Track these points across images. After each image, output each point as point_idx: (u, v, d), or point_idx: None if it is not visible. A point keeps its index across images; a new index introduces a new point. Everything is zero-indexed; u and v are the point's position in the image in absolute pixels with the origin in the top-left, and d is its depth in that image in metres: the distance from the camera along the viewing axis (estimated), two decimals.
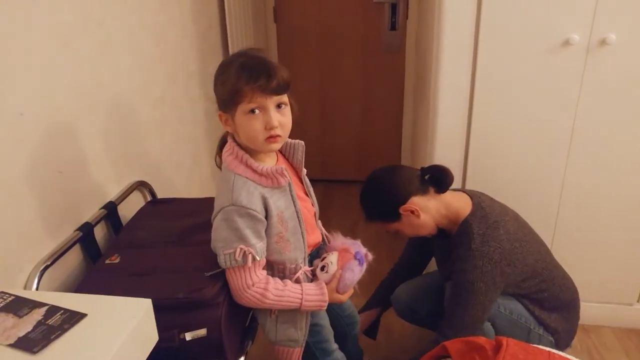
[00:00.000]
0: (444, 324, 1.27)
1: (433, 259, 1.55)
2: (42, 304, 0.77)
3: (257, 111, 0.94)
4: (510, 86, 1.49)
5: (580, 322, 1.44)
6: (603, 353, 1.67)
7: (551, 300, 1.33)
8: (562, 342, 1.37)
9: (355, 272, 1.08)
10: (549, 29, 1.41)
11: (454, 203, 1.30)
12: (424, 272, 1.62)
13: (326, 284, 1.06)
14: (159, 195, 1.45)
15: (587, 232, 1.64)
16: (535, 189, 1.60)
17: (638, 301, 1.73)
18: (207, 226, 1.03)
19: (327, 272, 1.07)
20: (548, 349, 0.87)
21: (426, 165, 1.34)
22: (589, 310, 1.69)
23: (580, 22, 1.39)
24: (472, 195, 1.33)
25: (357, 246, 1.12)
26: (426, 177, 1.30)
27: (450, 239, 1.31)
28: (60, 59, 1.06)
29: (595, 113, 1.49)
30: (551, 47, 1.43)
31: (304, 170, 1.13)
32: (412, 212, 1.27)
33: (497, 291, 1.23)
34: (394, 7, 2.63)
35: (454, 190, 1.34)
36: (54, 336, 0.71)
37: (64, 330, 0.72)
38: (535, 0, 1.39)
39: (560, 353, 0.85)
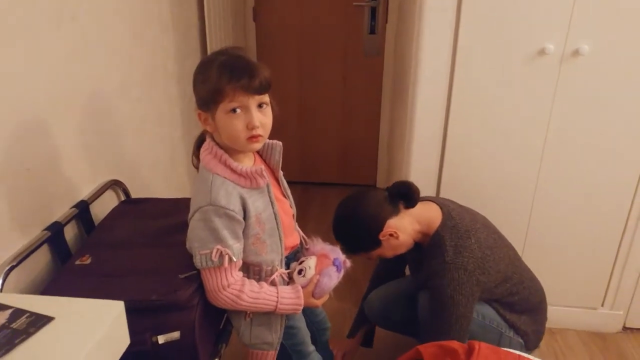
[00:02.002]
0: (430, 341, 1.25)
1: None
2: (6, 307, 0.74)
3: (238, 110, 0.93)
4: (487, 93, 1.52)
5: (547, 325, 1.47)
6: (568, 356, 1.72)
7: (521, 303, 1.36)
8: (531, 343, 1.40)
9: (333, 278, 1.09)
10: (527, 38, 1.45)
11: (425, 215, 1.31)
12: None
13: (303, 287, 1.06)
14: (134, 196, 1.42)
15: (557, 238, 1.69)
16: (508, 195, 1.64)
17: (602, 306, 1.79)
18: (182, 227, 1.01)
19: (304, 276, 1.07)
20: (518, 352, 0.89)
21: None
22: (556, 314, 1.73)
23: (556, 32, 1.43)
24: (441, 204, 1.34)
25: (336, 252, 1.13)
26: (393, 195, 1.30)
27: (423, 251, 1.32)
28: (31, 53, 1.02)
29: (568, 122, 1.53)
30: (527, 56, 1.46)
31: (281, 172, 1.13)
32: (392, 235, 1.28)
33: (475, 301, 1.25)
34: (373, 11, 2.65)
35: (422, 200, 1.34)
36: (18, 340, 0.68)
37: (29, 335, 0.69)
38: (514, 10, 1.42)
39: (530, 357, 0.87)
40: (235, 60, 0.94)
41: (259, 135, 0.96)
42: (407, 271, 1.56)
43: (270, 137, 1.04)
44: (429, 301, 1.28)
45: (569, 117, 1.53)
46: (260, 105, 0.96)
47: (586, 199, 1.62)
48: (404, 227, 1.29)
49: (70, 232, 1.15)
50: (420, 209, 1.31)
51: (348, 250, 1.31)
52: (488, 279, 1.26)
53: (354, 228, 1.30)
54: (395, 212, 1.29)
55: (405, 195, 1.30)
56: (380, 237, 1.28)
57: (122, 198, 1.39)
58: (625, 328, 1.83)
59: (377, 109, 2.88)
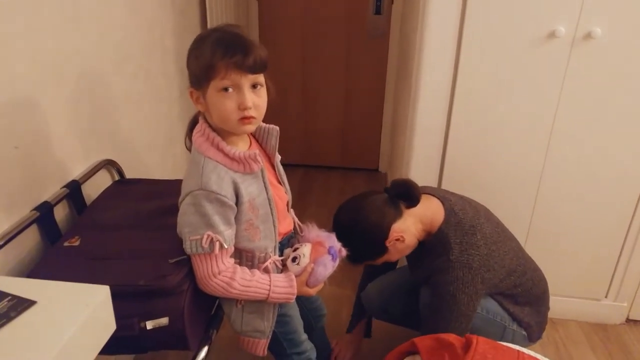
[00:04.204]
0: None
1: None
2: None
3: (230, 89, 0.89)
4: (493, 77, 1.47)
5: (549, 315, 1.45)
6: (569, 347, 1.70)
7: (524, 295, 1.33)
8: (534, 334, 1.37)
9: (328, 267, 1.05)
10: (536, 19, 1.39)
11: (427, 213, 1.27)
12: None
13: (296, 276, 1.03)
14: (129, 176, 1.39)
15: (561, 228, 1.65)
16: (512, 183, 1.60)
17: (606, 297, 1.76)
18: (176, 210, 0.98)
19: (298, 264, 1.03)
20: (518, 347, 0.86)
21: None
22: (558, 304, 1.71)
23: (568, 14, 1.37)
24: (442, 198, 1.29)
25: (331, 240, 1.09)
26: (393, 197, 1.25)
27: (425, 247, 1.28)
28: (18, 25, 0.98)
29: (576, 109, 1.48)
30: (536, 38, 1.40)
31: (278, 157, 1.09)
32: (397, 239, 1.23)
33: (479, 299, 1.21)
34: None
35: (422, 192, 1.29)
36: None
37: (10, 318, 0.67)
38: None
39: (530, 352, 0.84)
40: (231, 37, 0.90)
41: (251, 117, 0.91)
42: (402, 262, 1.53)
43: (272, 120, 1.00)
44: (430, 297, 1.24)
45: (578, 104, 1.47)
46: (254, 86, 0.91)
47: (593, 188, 1.58)
48: (409, 229, 1.25)
49: (61, 213, 1.13)
50: (422, 206, 1.26)
51: (352, 261, 1.25)
52: (493, 275, 1.23)
53: (358, 240, 1.21)
54: (398, 214, 1.24)
55: (406, 195, 1.25)
56: (387, 244, 1.24)
57: (116, 178, 1.36)
58: (628, 320, 1.81)
59: (381, 92, 2.82)
